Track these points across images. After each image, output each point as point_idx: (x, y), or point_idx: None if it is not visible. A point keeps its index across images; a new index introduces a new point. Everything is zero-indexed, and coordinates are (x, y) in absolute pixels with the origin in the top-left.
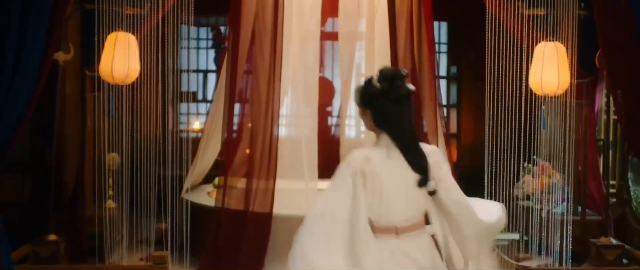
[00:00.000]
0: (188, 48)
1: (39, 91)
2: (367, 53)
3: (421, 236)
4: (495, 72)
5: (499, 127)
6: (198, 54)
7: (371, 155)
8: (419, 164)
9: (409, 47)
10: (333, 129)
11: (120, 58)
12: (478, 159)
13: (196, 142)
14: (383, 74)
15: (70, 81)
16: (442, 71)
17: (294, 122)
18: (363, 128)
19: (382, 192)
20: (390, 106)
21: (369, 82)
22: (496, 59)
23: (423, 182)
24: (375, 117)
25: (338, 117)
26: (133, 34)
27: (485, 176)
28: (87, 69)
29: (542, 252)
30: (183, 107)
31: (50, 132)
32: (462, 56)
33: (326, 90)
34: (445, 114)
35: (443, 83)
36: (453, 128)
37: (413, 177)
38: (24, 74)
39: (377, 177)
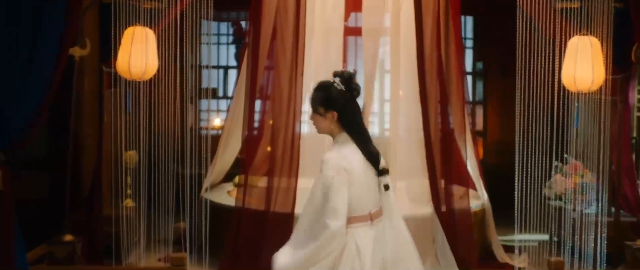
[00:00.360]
0: (208, 43)
1: (54, 87)
2: (392, 49)
3: (383, 220)
4: (526, 68)
5: (529, 124)
6: (218, 50)
7: (344, 152)
8: (374, 155)
9: (436, 42)
10: None
11: (138, 53)
12: (504, 156)
13: (216, 139)
14: (343, 76)
15: (88, 77)
16: (468, 67)
17: None
18: (387, 125)
19: (360, 183)
20: (351, 105)
21: (331, 85)
22: (527, 54)
23: (384, 171)
24: (341, 117)
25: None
26: (151, 28)
27: (516, 175)
28: (104, 64)
29: (575, 255)
30: (203, 103)
31: (68, 129)
32: (488, 51)
33: None
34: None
35: (468, 79)
36: (479, 125)
37: (371, 167)
38: (39, 70)
39: (355, 171)
